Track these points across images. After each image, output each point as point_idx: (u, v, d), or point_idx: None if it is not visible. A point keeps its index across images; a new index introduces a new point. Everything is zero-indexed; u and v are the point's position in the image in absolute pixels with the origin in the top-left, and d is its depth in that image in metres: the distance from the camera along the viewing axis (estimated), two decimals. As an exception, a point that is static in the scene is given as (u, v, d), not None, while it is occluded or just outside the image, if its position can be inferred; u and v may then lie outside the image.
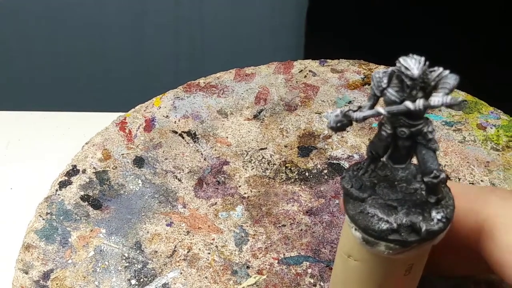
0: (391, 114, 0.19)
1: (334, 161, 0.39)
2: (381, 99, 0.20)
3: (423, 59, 0.19)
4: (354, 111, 0.20)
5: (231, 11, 0.93)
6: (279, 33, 0.95)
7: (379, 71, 0.20)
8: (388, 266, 0.22)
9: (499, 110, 0.42)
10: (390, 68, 0.20)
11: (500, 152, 0.39)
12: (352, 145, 0.40)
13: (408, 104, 0.19)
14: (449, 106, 0.18)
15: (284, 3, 0.93)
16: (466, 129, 0.41)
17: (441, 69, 0.19)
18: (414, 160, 0.21)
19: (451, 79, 0.19)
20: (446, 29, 0.66)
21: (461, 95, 0.43)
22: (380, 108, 0.19)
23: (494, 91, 0.45)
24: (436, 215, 0.20)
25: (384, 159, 0.22)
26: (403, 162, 0.21)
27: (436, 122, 0.41)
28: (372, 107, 0.20)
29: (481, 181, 0.37)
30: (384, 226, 0.20)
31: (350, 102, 0.43)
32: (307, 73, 0.45)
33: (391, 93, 0.19)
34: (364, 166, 0.22)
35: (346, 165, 0.39)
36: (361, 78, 0.45)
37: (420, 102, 0.18)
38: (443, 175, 0.20)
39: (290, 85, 0.44)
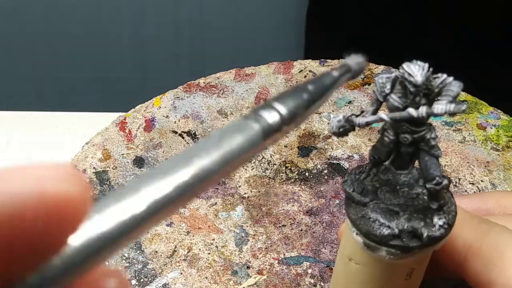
0: (394, 121, 0.19)
1: (334, 161, 0.39)
2: (384, 104, 0.20)
3: (426, 65, 0.19)
4: (357, 116, 0.20)
5: (231, 11, 0.93)
6: (279, 33, 0.95)
7: (383, 76, 0.20)
8: (389, 270, 0.22)
9: (499, 110, 0.42)
10: (394, 74, 0.19)
11: (500, 152, 0.39)
12: (352, 145, 0.40)
13: (411, 111, 0.19)
14: (452, 114, 0.18)
15: (284, 3, 0.93)
16: (466, 129, 0.41)
17: (444, 75, 0.19)
18: (416, 164, 0.21)
19: (455, 86, 0.18)
20: (446, 29, 0.66)
21: (461, 97, 0.43)
22: (383, 114, 0.19)
23: (494, 91, 0.45)
24: (438, 221, 0.20)
25: (386, 163, 0.22)
26: (406, 168, 0.21)
27: (436, 122, 0.41)
28: (375, 112, 0.20)
29: (481, 181, 0.37)
30: (385, 231, 0.20)
31: (350, 102, 0.43)
32: (307, 73, 0.45)
33: (394, 99, 0.19)
34: (366, 170, 0.22)
35: (346, 165, 0.39)
36: (361, 78, 0.45)
37: (423, 110, 0.18)
38: (445, 182, 0.20)
39: (290, 85, 0.44)
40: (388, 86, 0.20)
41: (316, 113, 0.42)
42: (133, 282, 0.33)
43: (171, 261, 0.34)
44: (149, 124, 0.41)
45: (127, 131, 0.41)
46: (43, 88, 0.96)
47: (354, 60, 0.17)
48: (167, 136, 0.41)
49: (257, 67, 0.46)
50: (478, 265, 0.22)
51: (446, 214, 0.20)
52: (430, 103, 0.19)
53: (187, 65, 0.96)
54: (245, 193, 0.37)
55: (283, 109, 0.14)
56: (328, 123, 0.41)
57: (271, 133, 0.14)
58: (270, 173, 0.38)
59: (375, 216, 0.20)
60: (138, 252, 0.34)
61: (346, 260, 0.23)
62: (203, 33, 0.94)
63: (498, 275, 0.22)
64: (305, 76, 0.45)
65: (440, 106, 0.18)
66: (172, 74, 0.96)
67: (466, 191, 0.37)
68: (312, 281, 0.32)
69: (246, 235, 0.35)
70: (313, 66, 0.46)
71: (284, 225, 0.35)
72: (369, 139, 0.40)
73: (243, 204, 0.36)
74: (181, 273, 0.33)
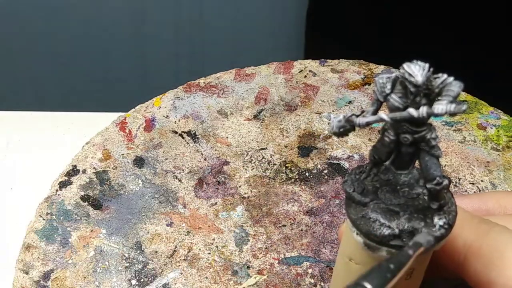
0: (394, 121, 0.19)
1: (334, 161, 0.39)
2: (384, 104, 0.20)
3: (427, 65, 0.19)
4: (357, 116, 0.20)
5: (231, 11, 0.93)
6: (279, 33, 0.95)
7: (383, 76, 0.20)
8: None
9: (499, 110, 0.42)
10: (394, 74, 0.19)
11: (500, 152, 0.39)
12: (352, 145, 0.40)
13: (412, 111, 0.18)
14: (453, 114, 0.18)
15: (284, 3, 0.93)
16: (466, 129, 0.41)
17: (445, 75, 0.19)
18: (417, 164, 0.21)
19: (455, 86, 0.18)
20: (446, 29, 0.66)
21: (461, 97, 0.43)
22: (383, 115, 0.19)
23: (494, 91, 0.45)
24: (438, 221, 0.20)
25: (387, 163, 0.22)
26: (406, 168, 0.21)
27: (436, 122, 0.41)
28: (375, 112, 0.20)
29: (481, 181, 0.37)
30: (386, 231, 0.20)
31: (350, 102, 0.43)
32: (307, 73, 0.45)
33: (395, 99, 0.19)
34: (367, 170, 0.22)
35: (346, 165, 0.39)
36: (361, 78, 0.45)
37: (423, 110, 0.18)
38: (445, 182, 0.20)
39: (290, 85, 0.44)
40: (389, 86, 0.20)
41: (316, 113, 0.42)
42: (133, 282, 0.33)
43: (171, 261, 0.34)
44: (149, 124, 0.42)
45: (127, 131, 0.41)
46: (43, 88, 0.96)
47: (424, 237, 0.20)
48: (167, 136, 0.41)
49: (257, 67, 0.46)
50: (478, 265, 0.22)
51: (446, 214, 0.20)
52: (430, 103, 0.19)
53: (187, 65, 0.96)
54: (245, 193, 0.37)
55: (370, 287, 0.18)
56: (328, 123, 0.41)
57: None
58: (270, 173, 0.38)
59: (375, 216, 0.20)
60: (138, 252, 0.34)
61: (346, 260, 0.23)
62: (203, 33, 0.94)
63: (498, 275, 0.22)
64: (305, 76, 0.45)
65: (440, 106, 0.18)
66: (172, 74, 0.96)
67: (466, 191, 0.37)
68: (312, 281, 0.32)
69: (246, 235, 0.35)
70: (313, 66, 0.46)
71: (284, 225, 0.35)
72: (369, 139, 0.40)
73: (243, 204, 0.36)
74: (181, 273, 0.33)
